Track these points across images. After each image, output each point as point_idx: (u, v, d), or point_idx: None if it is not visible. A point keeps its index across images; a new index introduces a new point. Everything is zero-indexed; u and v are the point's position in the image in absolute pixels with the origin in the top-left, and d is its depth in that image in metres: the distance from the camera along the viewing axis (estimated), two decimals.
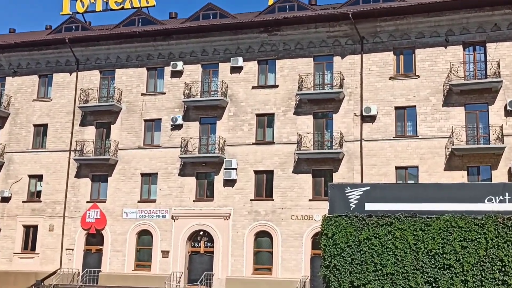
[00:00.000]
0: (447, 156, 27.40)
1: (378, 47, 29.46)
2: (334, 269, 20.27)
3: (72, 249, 32.24)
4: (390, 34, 29.29)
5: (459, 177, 26.83)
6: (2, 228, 33.28)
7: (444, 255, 19.32)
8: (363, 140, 28.71)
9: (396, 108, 28.71)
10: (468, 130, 27.52)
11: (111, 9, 35.88)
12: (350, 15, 28.92)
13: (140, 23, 34.75)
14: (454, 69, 27.84)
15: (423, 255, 19.69)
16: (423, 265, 19.54)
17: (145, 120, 32.64)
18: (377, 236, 20.03)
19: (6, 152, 34.21)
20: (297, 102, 30.14)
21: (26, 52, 35.05)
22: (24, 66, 35.26)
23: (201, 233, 30.66)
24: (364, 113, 28.74)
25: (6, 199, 33.57)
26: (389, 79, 28.98)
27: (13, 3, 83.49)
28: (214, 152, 30.73)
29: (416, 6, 28.58)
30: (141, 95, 32.90)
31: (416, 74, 28.64)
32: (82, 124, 33.64)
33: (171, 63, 32.36)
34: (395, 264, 19.72)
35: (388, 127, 28.57)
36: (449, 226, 19.64)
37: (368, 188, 21.43)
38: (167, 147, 31.75)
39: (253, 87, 31.14)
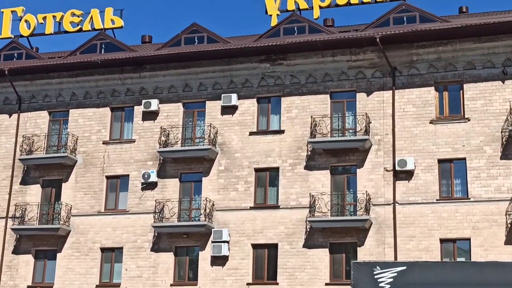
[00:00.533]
0: (509, 225, 27.12)
1: (415, 81, 29.82)
2: None
3: None
4: (431, 64, 29.67)
5: None
6: None
7: None
8: (396, 204, 28.56)
9: (440, 161, 28.71)
10: None
11: (66, 32, 36.49)
12: (377, 40, 29.22)
13: (103, 49, 35.18)
14: None
15: None
16: None
17: (108, 177, 32.76)
18: None
19: None
20: (309, 153, 30.23)
21: None
22: None
23: None
24: (397, 168, 28.69)
25: None
26: (430, 122, 29.13)
27: None
28: (199, 220, 30.61)
29: (463, 28, 28.96)
30: (103, 143, 33.10)
31: (466, 116, 28.78)
32: (24, 182, 33.62)
33: (143, 101, 32.61)
34: None
35: (429, 187, 28.49)
36: None
37: (405, 268, 21.43)
38: (136, 213, 31.72)
39: (251, 133, 31.32)
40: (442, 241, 27.93)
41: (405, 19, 31.51)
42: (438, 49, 29.59)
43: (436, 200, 28.38)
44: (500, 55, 28.98)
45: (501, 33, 28.69)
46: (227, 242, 29.96)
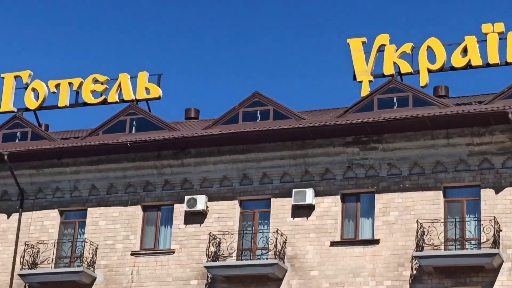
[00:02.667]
0: None
1: None
2: None
3: None
4: None
5: None
6: None
7: None
8: None
9: None
10: None
11: (85, 104, 37.16)
12: (510, 115, 28.43)
13: (133, 128, 35.37)
14: None
15: None
16: None
17: None
18: None
19: None
20: (415, 272, 29.38)
21: None
22: None
23: None
24: None
25: None
26: None
27: None
28: None
29: None
30: (132, 255, 33.27)
31: None
32: None
33: (187, 198, 32.61)
34: None
35: None
36: None
37: None
38: None
39: (333, 243, 30.77)
40: None
41: None
42: None
43: None
44: None
45: None
46: None
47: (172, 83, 77.20)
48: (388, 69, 33.27)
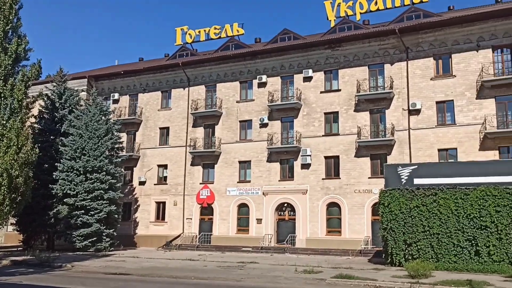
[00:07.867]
0: (481, 139, 26.08)
1: (420, 54, 28.41)
2: (390, 231, 20.46)
3: (191, 218, 33.03)
4: (430, 44, 28.22)
5: (492, 156, 25.49)
6: (140, 204, 35.02)
7: (481, 218, 18.98)
8: (410, 129, 27.80)
9: (437, 102, 27.61)
10: (498, 117, 26.07)
11: (211, 39, 36.25)
12: (396, 31, 28.25)
13: (233, 48, 34.97)
14: (485, 68, 26.50)
15: (463, 218, 19.46)
16: (463, 226, 19.32)
17: (240, 121, 32.75)
18: (425, 204, 19.97)
19: (141, 149, 35.56)
20: (356, 102, 29.52)
21: (151, 74, 36.15)
22: (151, 85, 36.30)
23: (285, 204, 30.66)
24: (410, 108, 27.84)
25: (142, 183, 35.00)
26: (431, 79, 27.92)
27: (141, 39, 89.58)
28: (293, 144, 30.62)
29: (451, 19, 27.44)
30: (236, 102, 33.09)
31: (453, 74, 27.43)
32: (194, 126, 34.05)
33: (257, 76, 32.37)
34: (440, 226, 19.63)
35: (430, 118, 27.55)
36: (484, 195, 19.25)
37: (416, 166, 21.33)
38: (257, 141, 31.79)
39: (321, 92, 30.70)
40: (439, 150, 27.15)
41: (413, 16, 30.12)
42: (435, 34, 28.13)
43: (435, 126, 27.45)
44: (475, 34, 27.27)
45: (475, 20, 27.02)
46: (310, 155, 30.02)
47: (249, 27, 75.05)
48: (342, 13, 32.43)
